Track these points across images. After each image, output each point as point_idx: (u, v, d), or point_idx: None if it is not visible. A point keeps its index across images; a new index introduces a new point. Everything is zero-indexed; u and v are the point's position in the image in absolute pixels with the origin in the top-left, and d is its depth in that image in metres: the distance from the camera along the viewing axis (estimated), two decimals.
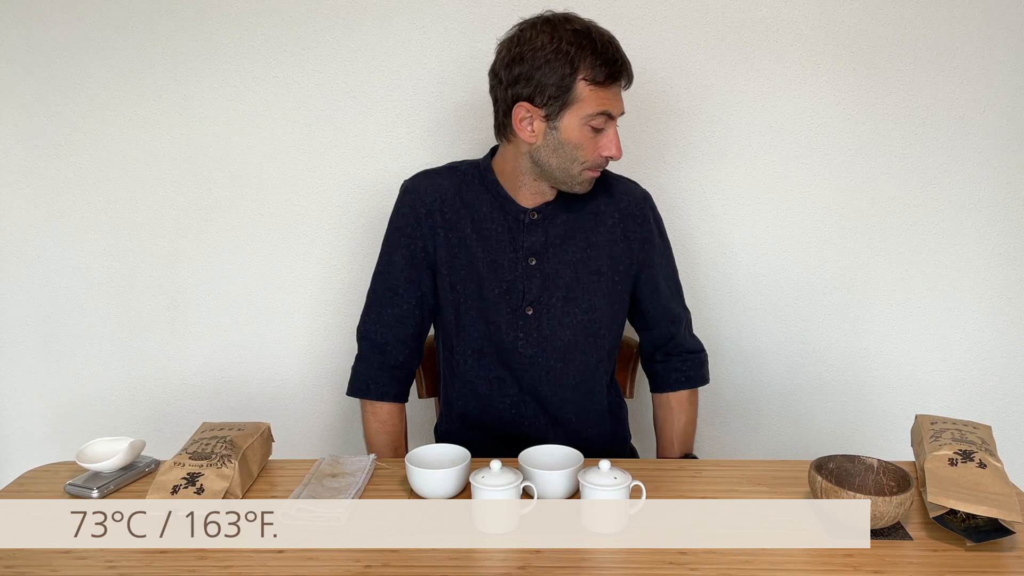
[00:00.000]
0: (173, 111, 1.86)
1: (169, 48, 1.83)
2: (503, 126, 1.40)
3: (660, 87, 1.82)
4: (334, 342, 1.96)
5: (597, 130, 1.34)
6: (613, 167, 1.63)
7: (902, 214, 1.88)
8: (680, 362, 1.57)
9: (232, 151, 1.88)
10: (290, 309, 1.96)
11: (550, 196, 1.45)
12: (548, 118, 1.33)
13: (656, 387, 1.60)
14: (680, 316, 1.57)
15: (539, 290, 1.44)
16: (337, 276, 1.94)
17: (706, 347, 1.62)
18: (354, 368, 1.54)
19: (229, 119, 1.86)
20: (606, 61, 1.31)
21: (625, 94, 1.89)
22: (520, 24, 1.36)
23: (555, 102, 1.32)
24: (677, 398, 1.58)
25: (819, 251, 1.90)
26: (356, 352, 1.54)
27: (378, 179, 1.88)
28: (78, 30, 1.82)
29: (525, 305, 1.44)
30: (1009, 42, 1.79)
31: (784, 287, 1.92)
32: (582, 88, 1.31)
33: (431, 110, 1.84)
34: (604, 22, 1.77)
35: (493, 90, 1.40)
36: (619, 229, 1.48)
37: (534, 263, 1.44)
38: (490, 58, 1.81)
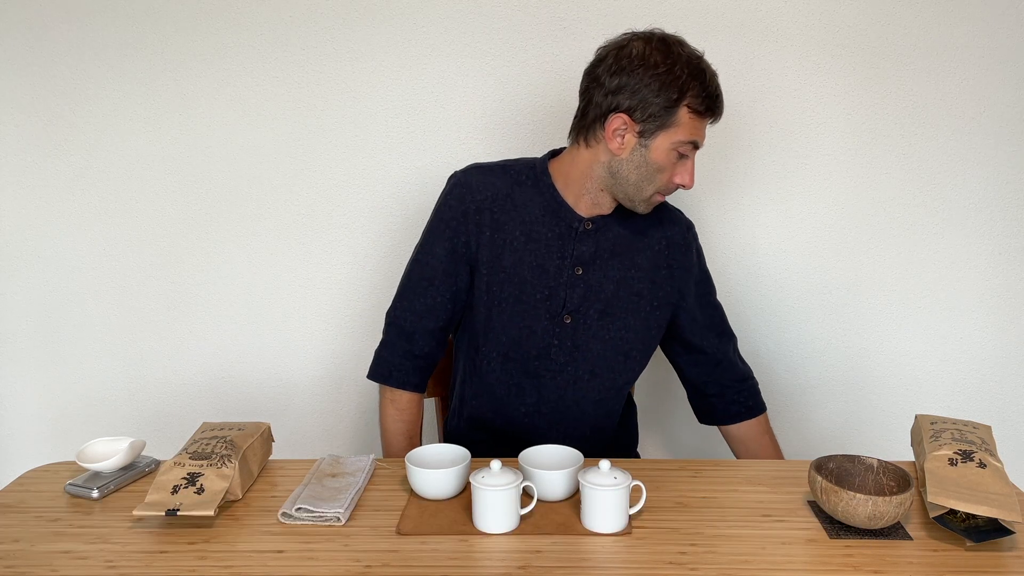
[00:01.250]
0: (173, 111, 1.86)
1: (169, 48, 1.83)
2: (589, 130, 1.38)
3: None
4: (334, 341, 1.97)
5: (681, 156, 1.36)
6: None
7: (902, 214, 1.88)
8: (736, 393, 1.58)
9: (232, 151, 1.88)
10: (290, 309, 1.96)
11: (607, 210, 1.44)
12: (642, 135, 1.33)
13: (716, 420, 1.61)
14: (723, 344, 1.58)
15: (580, 300, 1.44)
16: (337, 275, 1.94)
17: None
18: (378, 352, 1.52)
19: (229, 119, 1.86)
20: (710, 94, 1.33)
21: None
22: (630, 35, 1.36)
23: (654, 121, 1.32)
24: (749, 431, 1.59)
25: (819, 251, 1.91)
26: (382, 336, 1.53)
27: (379, 179, 1.88)
28: (78, 31, 1.82)
29: (564, 313, 1.44)
30: (1009, 42, 1.79)
31: (784, 287, 1.92)
32: (683, 114, 1.32)
33: (431, 110, 1.84)
34: (604, 22, 1.79)
35: (587, 92, 1.38)
36: (664, 256, 1.48)
37: (580, 273, 1.43)
38: (491, 58, 1.82)
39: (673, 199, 1.85)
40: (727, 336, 1.59)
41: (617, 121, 1.33)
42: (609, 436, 1.54)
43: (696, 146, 1.36)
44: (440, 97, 1.84)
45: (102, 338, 1.98)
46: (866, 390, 1.97)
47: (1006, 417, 1.97)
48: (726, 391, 1.57)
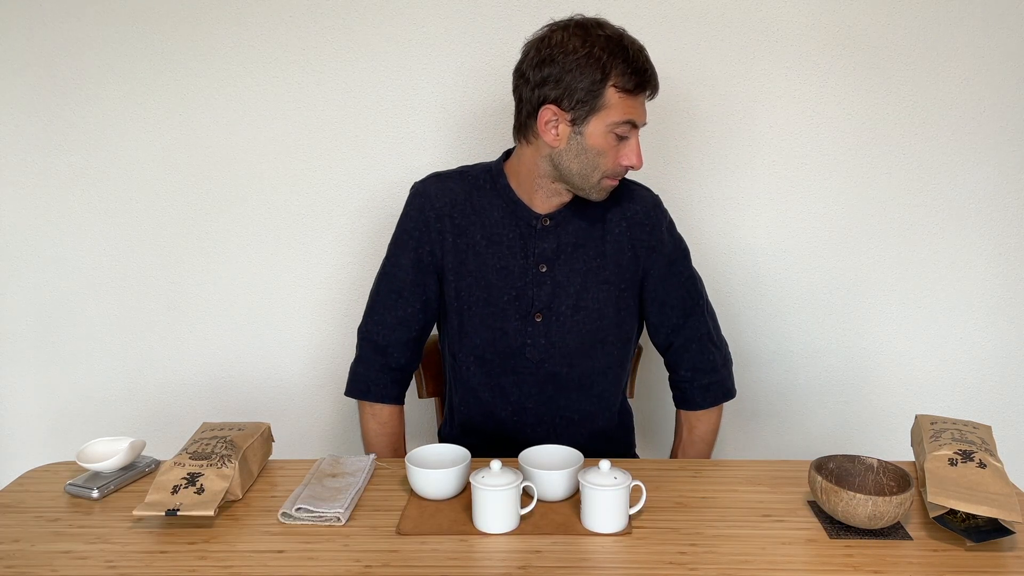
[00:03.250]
0: (173, 111, 1.86)
1: (169, 48, 1.83)
2: (525, 127, 1.38)
3: (661, 87, 1.81)
4: (334, 342, 1.96)
5: (621, 138, 1.34)
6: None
7: (902, 214, 1.88)
8: (679, 380, 1.56)
9: (232, 151, 1.88)
10: (290, 309, 1.96)
11: (566, 198, 1.43)
12: (574, 122, 1.32)
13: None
14: (687, 327, 1.52)
15: (549, 297, 1.44)
16: (337, 275, 1.94)
17: None
18: (353, 369, 1.53)
19: (229, 119, 1.86)
20: (636, 70, 1.30)
21: None
22: (551, 26, 1.35)
23: (583, 107, 1.31)
24: (677, 419, 1.59)
25: (819, 251, 1.91)
26: (356, 352, 1.54)
27: (378, 179, 1.88)
28: (78, 30, 1.82)
29: (534, 312, 1.44)
30: (1009, 42, 1.79)
31: (784, 287, 1.92)
32: (611, 95, 1.30)
33: (431, 110, 1.84)
34: None
35: (517, 89, 1.38)
36: (626, 237, 1.47)
37: (544, 270, 1.43)
38: (491, 58, 1.82)
39: (674, 198, 1.85)
40: (696, 317, 1.53)
41: (547, 113, 1.33)
42: (601, 423, 1.53)
43: (634, 125, 1.34)
44: (440, 97, 1.84)
45: (102, 338, 1.98)
46: (866, 390, 1.97)
47: (1006, 417, 1.97)
48: (674, 372, 1.57)
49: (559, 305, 1.44)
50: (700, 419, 1.56)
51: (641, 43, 1.33)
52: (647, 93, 1.34)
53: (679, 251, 1.53)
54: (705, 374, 1.54)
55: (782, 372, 1.97)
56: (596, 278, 1.45)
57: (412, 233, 1.47)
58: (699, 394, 1.55)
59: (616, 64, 1.29)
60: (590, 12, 1.77)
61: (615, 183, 1.40)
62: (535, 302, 1.44)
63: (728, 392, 1.57)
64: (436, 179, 1.49)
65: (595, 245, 1.45)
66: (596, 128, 1.32)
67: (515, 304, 1.44)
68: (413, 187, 1.50)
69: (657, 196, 1.53)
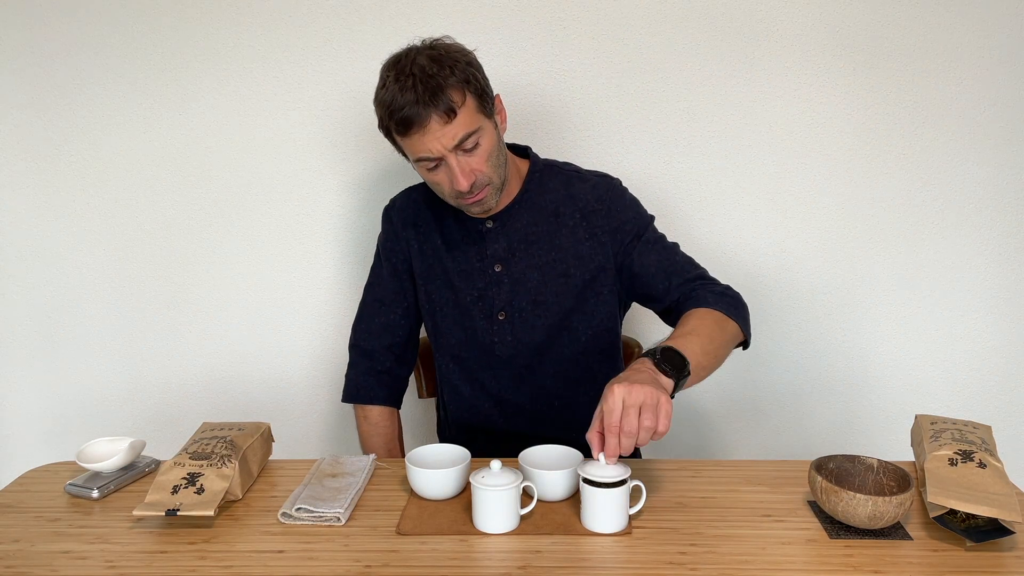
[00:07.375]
0: (173, 111, 1.86)
1: (169, 48, 1.83)
2: None
3: (660, 87, 1.82)
4: (334, 342, 1.96)
5: (433, 168, 1.32)
6: (583, 162, 1.61)
7: (902, 214, 1.88)
8: (700, 288, 1.39)
9: (232, 151, 1.88)
10: (290, 309, 1.96)
11: (507, 200, 1.44)
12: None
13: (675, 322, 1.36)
14: (690, 270, 1.43)
15: (509, 295, 1.46)
16: (337, 276, 1.94)
17: None
18: (346, 376, 1.59)
19: (229, 119, 1.86)
20: (396, 116, 1.27)
21: (626, 94, 1.89)
22: None
23: (396, 148, 1.36)
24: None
25: (819, 251, 1.90)
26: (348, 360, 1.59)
27: (379, 180, 1.88)
28: (78, 31, 1.82)
29: (497, 311, 1.46)
30: (1009, 42, 1.79)
31: (784, 287, 1.92)
32: (396, 138, 1.33)
33: None
34: (605, 22, 1.79)
35: None
36: (582, 228, 1.45)
37: (500, 269, 1.46)
38: (493, 58, 1.81)
39: (674, 198, 1.85)
40: (693, 266, 1.45)
41: None
42: (583, 409, 1.47)
43: (430, 159, 1.29)
44: None
45: (102, 338, 1.98)
46: (866, 390, 1.97)
47: (1006, 417, 1.97)
48: (691, 286, 1.41)
49: (520, 302, 1.46)
50: (702, 315, 1.31)
51: (423, 68, 1.25)
52: (429, 126, 1.26)
53: (643, 222, 1.47)
54: (715, 289, 1.40)
55: (782, 372, 1.97)
56: (553, 272, 1.45)
57: (386, 245, 1.54)
58: (710, 296, 1.35)
59: (383, 114, 1.31)
60: (593, 13, 1.78)
61: (478, 196, 1.35)
62: (496, 301, 1.46)
63: (741, 317, 1.35)
64: (404, 193, 1.56)
65: (548, 239, 1.46)
66: (414, 164, 1.36)
67: (478, 304, 1.47)
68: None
69: (614, 179, 1.50)
